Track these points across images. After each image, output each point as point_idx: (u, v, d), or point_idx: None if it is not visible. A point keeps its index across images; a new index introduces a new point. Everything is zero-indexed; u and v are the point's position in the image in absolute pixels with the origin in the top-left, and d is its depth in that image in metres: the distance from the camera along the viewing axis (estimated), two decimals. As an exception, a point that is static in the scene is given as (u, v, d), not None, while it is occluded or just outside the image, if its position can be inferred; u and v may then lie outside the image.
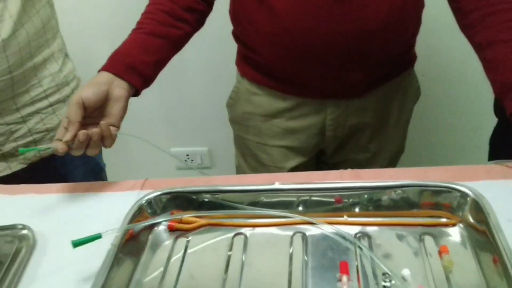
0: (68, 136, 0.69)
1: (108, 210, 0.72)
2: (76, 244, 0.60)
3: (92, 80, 0.75)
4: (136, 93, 0.80)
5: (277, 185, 0.70)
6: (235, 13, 0.88)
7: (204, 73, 1.50)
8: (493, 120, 1.10)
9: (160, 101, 1.58)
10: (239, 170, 1.07)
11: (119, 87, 0.75)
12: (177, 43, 0.85)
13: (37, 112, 0.96)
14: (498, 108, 1.08)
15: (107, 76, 0.76)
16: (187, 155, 1.70)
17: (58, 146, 0.69)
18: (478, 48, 0.75)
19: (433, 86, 1.42)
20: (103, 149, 1.18)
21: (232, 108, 1.00)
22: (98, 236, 0.61)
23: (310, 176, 0.77)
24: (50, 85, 0.97)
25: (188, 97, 1.57)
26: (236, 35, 0.91)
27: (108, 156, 1.25)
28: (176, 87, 1.55)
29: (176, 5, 0.83)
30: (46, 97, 0.97)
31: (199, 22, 0.88)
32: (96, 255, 0.62)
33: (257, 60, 0.88)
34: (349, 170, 0.77)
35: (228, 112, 1.02)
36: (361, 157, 0.97)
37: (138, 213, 0.68)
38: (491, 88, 0.73)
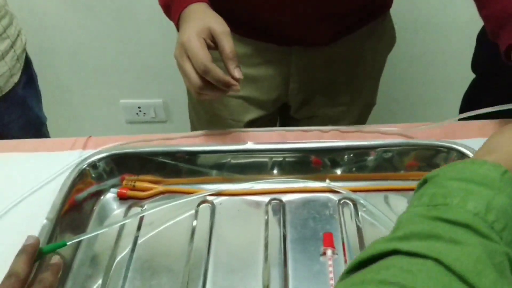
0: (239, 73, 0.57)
1: (43, 174, 0.60)
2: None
3: (200, 14, 0.63)
4: None
5: (250, 145, 0.59)
6: None
7: (157, 13, 1.33)
8: (469, 75, 1.04)
9: (107, 46, 1.41)
10: (192, 126, 0.96)
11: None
12: None
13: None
14: (477, 65, 1.03)
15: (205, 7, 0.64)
16: (139, 107, 1.56)
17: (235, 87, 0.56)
18: None
19: (409, 32, 1.33)
20: (44, 101, 1.03)
21: None
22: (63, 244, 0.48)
23: (285, 134, 0.68)
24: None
25: (139, 41, 1.40)
26: None
27: (50, 108, 1.10)
28: (126, 30, 1.37)
29: None
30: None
31: None
32: (30, 229, 0.50)
33: None
34: (329, 128, 0.68)
35: None
36: (330, 112, 0.89)
37: (79, 179, 0.56)
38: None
